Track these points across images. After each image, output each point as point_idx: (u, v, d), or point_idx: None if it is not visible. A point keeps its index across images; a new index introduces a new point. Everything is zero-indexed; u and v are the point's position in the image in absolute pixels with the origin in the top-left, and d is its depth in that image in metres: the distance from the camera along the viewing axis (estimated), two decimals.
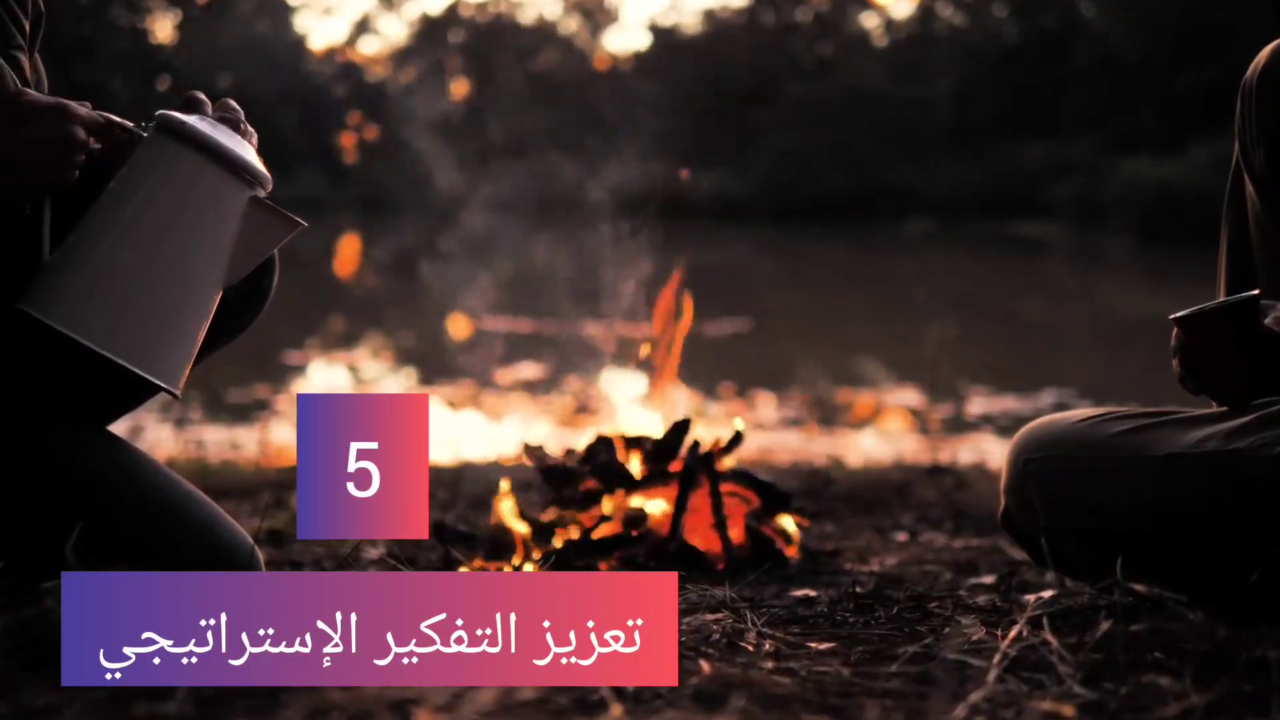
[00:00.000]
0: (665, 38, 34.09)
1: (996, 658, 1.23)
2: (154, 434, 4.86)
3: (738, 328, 9.18)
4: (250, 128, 1.44)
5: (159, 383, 1.38)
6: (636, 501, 2.24)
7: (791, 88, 29.73)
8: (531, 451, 2.37)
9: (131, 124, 1.41)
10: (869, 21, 35.18)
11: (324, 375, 7.62)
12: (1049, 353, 9.05)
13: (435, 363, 7.91)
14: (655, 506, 2.24)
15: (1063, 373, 7.64)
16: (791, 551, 2.26)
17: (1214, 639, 1.28)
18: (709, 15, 35.35)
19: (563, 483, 2.30)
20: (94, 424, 1.51)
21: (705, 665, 1.23)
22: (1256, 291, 1.43)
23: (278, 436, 4.84)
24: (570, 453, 2.37)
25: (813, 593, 1.86)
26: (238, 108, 1.44)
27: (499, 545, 2.21)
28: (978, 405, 6.37)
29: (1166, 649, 1.28)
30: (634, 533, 2.18)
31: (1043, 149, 25.29)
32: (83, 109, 1.35)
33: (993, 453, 4.65)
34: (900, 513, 2.92)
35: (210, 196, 1.38)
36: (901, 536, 2.65)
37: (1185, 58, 24.80)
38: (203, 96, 1.43)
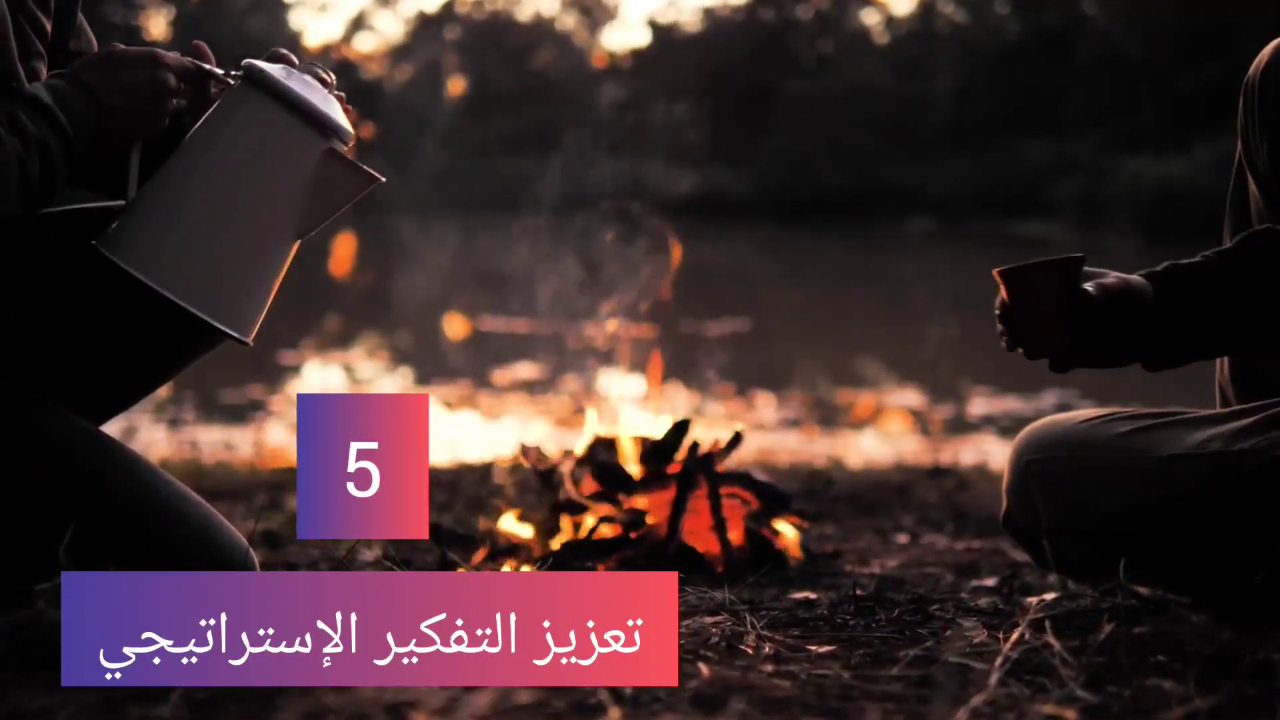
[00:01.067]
0: (664, 35, 34.10)
1: (998, 661, 1.23)
2: (148, 435, 4.85)
3: (737, 328, 9.17)
4: (336, 87, 1.45)
5: (229, 331, 1.38)
6: (635, 503, 2.23)
7: (791, 85, 29.70)
8: (529, 452, 2.35)
9: (220, 71, 1.42)
10: (870, 18, 35.20)
11: (319, 375, 7.61)
12: None
13: (432, 362, 7.91)
14: (654, 508, 2.23)
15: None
16: (792, 553, 2.25)
17: (1217, 642, 1.27)
18: (708, 12, 35.36)
19: (560, 484, 2.28)
20: (89, 425, 1.49)
21: (704, 668, 1.22)
22: (1082, 255, 1.43)
23: (272, 437, 4.83)
24: (568, 454, 2.36)
25: (813, 595, 1.85)
26: (324, 69, 1.45)
27: (496, 548, 2.20)
28: (979, 406, 6.36)
29: (1170, 652, 1.27)
30: (632, 535, 2.17)
31: (1045, 147, 25.26)
32: (172, 56, 1.38)
33: (994, 454, 4.64)
34: (901, 514, 2.91)
35: (286, 146, 1.38)
36: (902, 538, 2.64)
37: (1188, 55, 24.77)
38: (286, 52, 1.45)
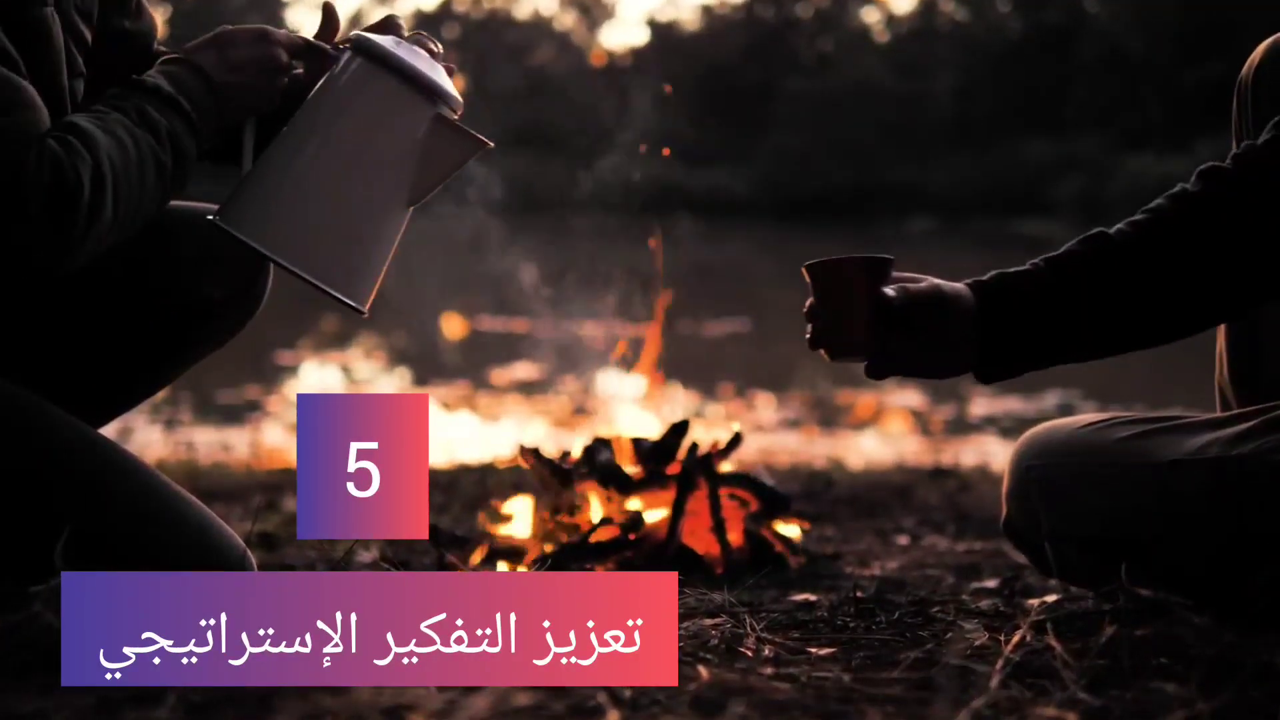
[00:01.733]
0: (663, 33, 34.08)
1: (999, 663, 1.22)
2: (144, 435, 4.85)
3: (737, 328, 9.16)
4: (443, 55, 1.47)
5: (346, 300, 1.39)
6: (634, 504, 2.22)
7: (792, 84, 29.69)
8: (527, 453, 2.34)
9: (330, 45, 1.44)
10: (870, 17, 35.27)
11: (316, 375, 7.61)
12: None
13: (430, 363, 7.90)
14: (653, 510, 2.22)
15: (1067, 374, 7.58)
16: (791, 555, 2.24)
17: (1220, 644, 1.26)
18: (707, 10, 35.33)
19: (559, 485, 2.27)
20: (86, 426, 1.49)
21: (704, 671, 1.21)
22: (890, 257, 1.40)
23: (269, 438, 4.82)
24: (566, 455, 2.35)
25: (813, 597, 1.84)
26: (432, 38, 1.47)
27: (494, 550, 2.19)
28: (980, 407, 6.35)
29: (1172, 654, 1.26)
30: (631, 536, 2.16)
31: (1046, 146, 25.28)
32: (282, 33, 1.42)
33: (996, 455, 4.64)
34: (902, 516, 2.91)
35: (396, 113, 1.40)
36: (903, 540, 2.63)
37: (1191, 53, 24.78)
38: (399, 20, 1.47)
